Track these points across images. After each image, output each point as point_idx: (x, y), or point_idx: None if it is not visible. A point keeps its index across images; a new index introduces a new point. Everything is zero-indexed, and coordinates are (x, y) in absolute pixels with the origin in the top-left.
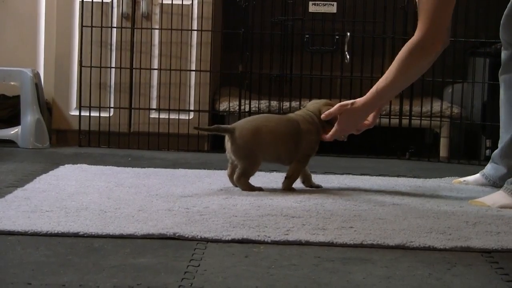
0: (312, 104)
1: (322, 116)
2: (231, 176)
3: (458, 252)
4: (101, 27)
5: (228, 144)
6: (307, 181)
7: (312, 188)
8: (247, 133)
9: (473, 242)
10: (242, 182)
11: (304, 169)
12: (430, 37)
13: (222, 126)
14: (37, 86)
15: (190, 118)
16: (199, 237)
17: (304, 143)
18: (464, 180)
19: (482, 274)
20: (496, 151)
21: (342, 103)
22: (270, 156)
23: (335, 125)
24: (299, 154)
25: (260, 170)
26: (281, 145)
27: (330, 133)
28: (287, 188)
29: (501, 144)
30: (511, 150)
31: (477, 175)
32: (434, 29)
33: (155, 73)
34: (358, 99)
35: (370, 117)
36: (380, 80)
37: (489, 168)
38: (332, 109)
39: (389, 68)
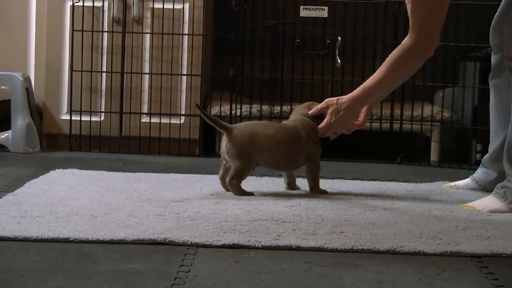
0: (299, 110)
1: (310, 112)
2: (222, 179)
3: (448, 257)
4: (92, 31)
5: (223, 142)
6: (291, 183)
7: (294, 190)
8: (244, 134)
9: (463, 247)
10: (234, 185)
11: (291, 172)
12: (424, 42)
13: (222, 122)
14: (28, 90)
15: (181, 122)
16: (189, 242)
17: (308, 149)
18: (455, 185)
19: (472, 279)
20: (486, 156)
21: (328, 99)
22: (266, 162)
23: (326, 118)
24: (307, 162)
25: (251, 175)
26: (278, 152)
27: (321, 124)
28: (319, 192)
29: (491, 148)
30: (501, 154)
31: (468, 180)
32: (428, 35)
33: (146, 77)
34: (344, 96)
35: (361, 117)
36: (369, 79)
37: (479, 173)
38: (319, 105)
39: (379, 69)
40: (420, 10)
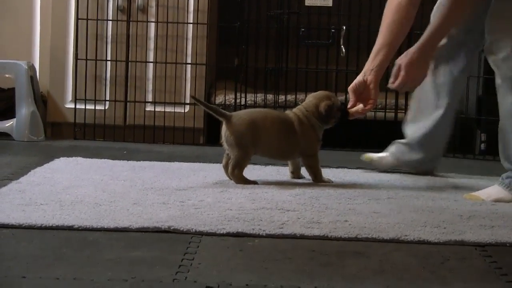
0: (310, 100)
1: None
2: (226, 167)
3: (452, 246)
4: (97, 20)
5: (223, 131)
6: (295, 172)
7: (299, 179)
8: (242, 123)
9: (467, 236)
10: (236, 174)
11: (297, 161)
12: None
13: (221, 110)
14: (32, 78)
15: (185, 111)
16: (193, 230)
17: (302, 143)
18: (374, 158)
19: (476, 268)
20: (416, 136)
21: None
22: (263, 152)
23: (400, 76)
24: (304, 157)
25: (255, 163)
26: (273, 143)
27: (396, 82)
28: (321, 182)
29: (422, 130)
30: (437, 136)
31: (387, 155)
32: None
33: (151, 66)
34: (408, 50)
35: (372, 94)
36: (431, 24)
37: (401, 151)
38: (393, 70)
39: (438, 15)
40: None
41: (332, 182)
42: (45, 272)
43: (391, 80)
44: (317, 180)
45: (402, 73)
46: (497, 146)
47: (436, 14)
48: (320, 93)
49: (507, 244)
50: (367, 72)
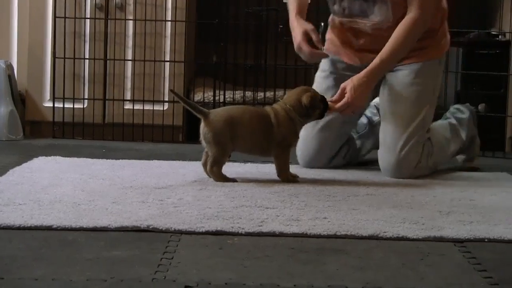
0: (289, 96)
1: (333, 98)
2: (205, 165)
3: (431, 242)
4: (75, 18)
5: (201, 128)
6: None
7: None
8: (219, 119)
9: (446, 232)
10: (215, 172)
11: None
12: (428, 16)
13: (199, 107)
14: (10, 77)
15: (164, 109)
16: (173, 229)
17: (276, 136)
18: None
19: (455, 264)
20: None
21: (343, 83)
22: (241, 148)
23: (345, 97)
24: (275, 147)
25: (234, 161)
26: (251, 138)
27: (339, 104)
28: (286, 180)
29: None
30: None
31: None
32: (431, 10)
33: (129, 64)
34: (360, 73)
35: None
36: (383, 50)
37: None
38: (338, 92)
39: (390, 40)
40: None
41: (298, 179)
42: (24, 272)
43: (333, 99)
44: (281, 175)
45: (347, 95)
46: None
47: (394, 39)
48: (298, 88)
49: (486, 240)
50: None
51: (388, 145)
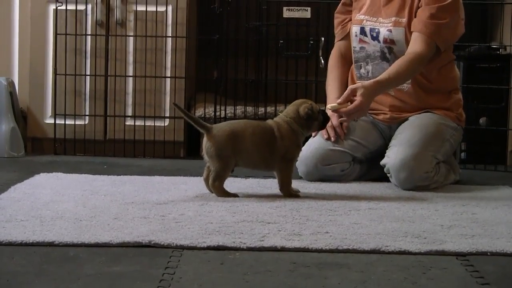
0: (289, 108)
1: (339, 101)
2: (207, 180)
3: (433, 255)
4: (76, 34)
5: (203, 143)
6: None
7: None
8: (222, 134)
9: (448, 246)
10: (217, 187)
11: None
12: (431, 53)
13: (202, 121)
14: (12, 94)
15: (165, 124)
16: (174, 244)
17: (280, 149)
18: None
19: (457, 278)
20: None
21: (351, 85)
22: (245, 163)
23: (357, 101)
24: (279, 160)
25: (236, 176)
26: (255, 152)
27: (351, 107)
28: (288, 195)
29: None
30: None
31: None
32: (434, 47)
33: (130, 80)
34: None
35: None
36: (389, 70)
37: None
38: (345, 93)
39: (391, 68)
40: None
41: (300, 194)
42: None
43: (339, 101)
44: (283, 190)
45: (359, 99)
46: (477, 155)
47: (399, 62)
48: (297, 100)
49: (488, 253)
50: None
51: (407, 140)
